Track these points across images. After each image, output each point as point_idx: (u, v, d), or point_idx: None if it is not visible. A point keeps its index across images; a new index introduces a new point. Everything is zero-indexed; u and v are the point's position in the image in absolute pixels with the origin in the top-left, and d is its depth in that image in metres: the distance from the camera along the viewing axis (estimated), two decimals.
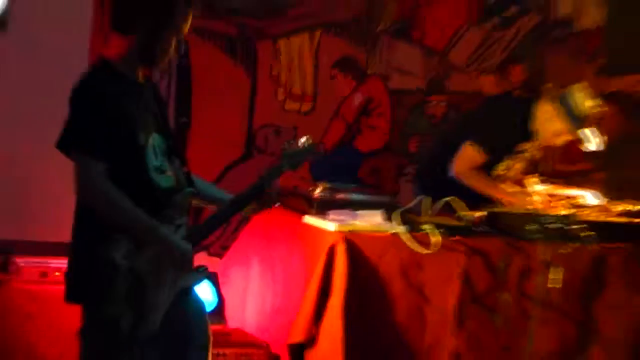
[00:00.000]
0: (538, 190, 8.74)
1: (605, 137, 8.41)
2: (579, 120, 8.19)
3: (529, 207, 8.23)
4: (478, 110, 9.50)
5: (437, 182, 8.45)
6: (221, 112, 9.83)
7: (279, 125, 9.99)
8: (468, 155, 8.39)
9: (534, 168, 8.80)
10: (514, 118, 8.56)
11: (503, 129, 8.55)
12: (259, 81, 9.98)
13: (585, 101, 8.22)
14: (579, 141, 8.41)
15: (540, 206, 8.33)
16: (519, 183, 8.83)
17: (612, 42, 11.23)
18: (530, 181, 8.89)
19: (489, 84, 10.76)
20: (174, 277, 5.60)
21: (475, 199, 8.04)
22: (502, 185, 8.48)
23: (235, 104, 9.94)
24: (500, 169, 8.52)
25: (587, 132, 8.24)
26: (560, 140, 8.51)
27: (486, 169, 8.48)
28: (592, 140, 8.28)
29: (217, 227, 5.92)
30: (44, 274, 7.97)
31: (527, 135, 8.48)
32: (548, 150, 8.85)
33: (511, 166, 8.57)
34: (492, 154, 8.41)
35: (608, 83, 11.20)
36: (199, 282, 5.85)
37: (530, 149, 8.57)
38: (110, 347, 5.46)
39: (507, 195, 8.34)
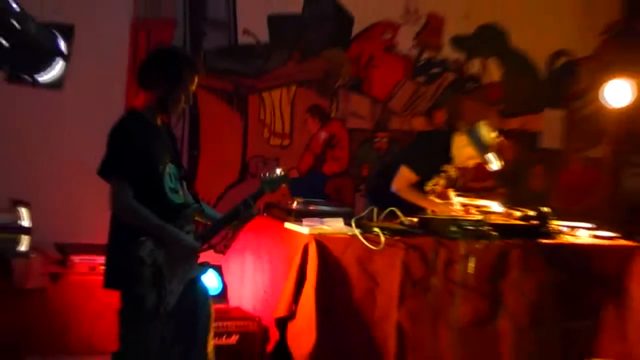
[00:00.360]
0: (457, 201, 8.97)
1: (503, 161, 8.63)
2: (484, 148, 8.40)
3: (451, 213, 8.45)
4: (411, 143, 9.66)
5: (382, 197, 8.55)
6: (222, 147, 9.97)
7: (265, 156, 10.09)
8: (404, 176, 8.55)
9: (453, 184, 8.99)
10: (437, 147, 8.73)
11: (429, 155, 8.74)
12: (250, 123, 10.09)
13: (488, 134, 8.43)
14: (485, 163, 8.60)
15: (459, 213, 8.58)
16: (444, 195, 8.98)
17: (508, 92, 11.42)
18: (451, 194, 9.07)
19: (419, 124, 10.88)
20: (184, 269, 5.91)
21: (411, 209, 8.22)
22: (430, 198, 8.63)
23: (233, 141, 10.05)
24: (430, 185, 8.70)
25: (490, 156, 8.45)
26: (472, 163, 8.71)
27: (419, 185, 8.63)
28: (495, 162, 8.49)
29: (213, 235, 6.25)
30: (92, 268, 8.27)
31: (447, 159, 8.66)
32: (463, 170, 9.03)
33: (437, 183, 8.74)
34: (421, 175, 8.58)
35: (506, 122, 11.40)
36: (203, 273, 6.15)
37: (450, 170, 8.75)
38: (138, 321, 5.76)
39: (433, 206, 8.50)
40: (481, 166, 8.83)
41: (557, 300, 8.43)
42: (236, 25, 9.88)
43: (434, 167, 8.76)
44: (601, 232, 9.11)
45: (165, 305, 5.73)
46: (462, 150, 8.64)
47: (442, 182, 8.86)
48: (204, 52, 9.66)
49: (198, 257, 6.13)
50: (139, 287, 5.68)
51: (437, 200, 8.71)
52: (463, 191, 9.55)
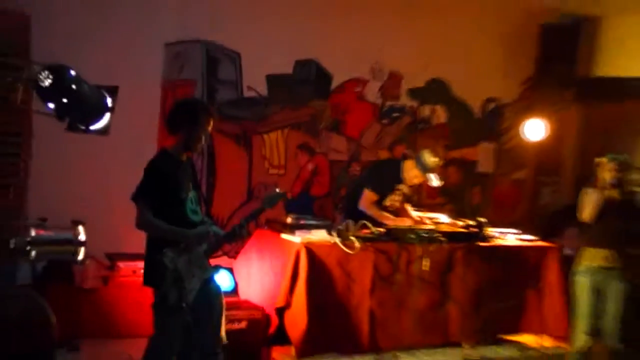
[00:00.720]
0: (413, 215, 8.98)
1: (443, 181, 8.75)
2: (426, 169, 8.47)
3: (409, 224, 8.46)
4: (370, 169, 9.64)
5: (354, 212, 8.55)
6: (232, 176, 9.97)
7: (266, 182, 10.07)
8: (367, 196, 8.57)
9: (408, 199, 8.97)
10: (390, 171, 8.77)
11: (385, 178, 8.75)
12: (254, 157, 10.08)
13: (429, 158, 8.49)
14: (428, 181, 8.67)
15: (416, 223, 8.59)
16: (403, 210, 8.98)
17: (452, 131, 11.43)
18: (408, 208, 9.05)
19: (384, 156, 10.86)
20: (200, 272, 6.03)
21: (376, 222, 8.23)
22: (386, 214, 8.60)
23: (240, 171, 10.03)
24: (388, 201, 8.70)
25: (431, 175, 8.52)
26: (417, 181, 8.75)
27: (380, 201, 8.65)
28: (435, 180, 8.59)
29: (216, 249, 6.34)
30: (134, 271, 8.34)
31: (399, 180, 8.69)
32: (413, 188, 8.98)
33: (394, 199, 8.74)
34: (380, 193, 8.60)
35: (450, 153, 11.40)
36: (215, 274, 6.24)
37: (403, 188, 8.75)
38: (165, 312, 5.91)
39: (390, 220, 8.46)
40: (425, 183, 8.95)
41: (491, 287, 8.49)
42: (242, 83, 9.89)
43: (389, 187, 8.75)
44: (524, 236, 9.21)
45: (185, 300, 5.86)
46: (410, 172, 8.69)
47: (397, 198, 8.83)
48: (218, 104, 9.64)
49: (209, 262, 6.21)
50: (163, 287, 5.86)
51: (392, 217, 8.62)
52: (418, 206, 9.58)
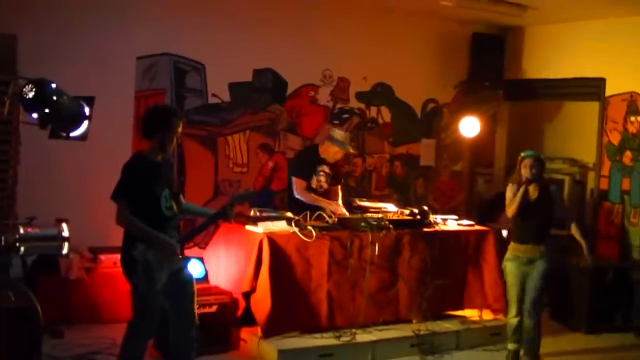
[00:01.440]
0: (363, 205, 8.90)
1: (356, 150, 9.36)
2: (341, 143, 8.58)
3: (339, 210, 8.55)
4: (293, 158, 9.75)
5: (293, 202, 8.65)
6: (200, 174, 9.88)
7: (230, 179, 10.04)
8: (295, 183, 8.59)
9: (333, 179, 8.90)
10: (309, 156, 8.83)
11: (306, 163, 8.79)
12: (219, 158, 10.01)
13: (341, 134, 8.71)
14: (346, 152, 8.89)
15: (341, 210, 8.61)
16: (334, 192, 8.99)
17: (396, 129, 11.42)
18: (338, 190, 9.05)
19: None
20: (168, 263, 6.05)
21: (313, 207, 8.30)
22: (322, 199, 8.62)
23: (207, 170, 9.96)
24: (313, 183, 8.67)
25: (347, 147, 8.73)
26: (339, 156, 8.79)
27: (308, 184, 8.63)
28: (351, 149, 8.94)
29: (193, 237, 6.38)
30: (115, 263, 8.14)
31: (319, 162, 8.69)
32: (334, 167, 8.92)
33: (319, 181, 8.72)
34: (305, 178, 8.61)
35: (394, 149, 11.40)
36: (185, 265, 6.26)
37: (324, 169, 8.72)
38: (140, 299, 6.01)
39: (326, 204, 8.50)
40: (345, 157, 9.20)
41: (436, 268, 8.52)
42: (207, 91, 9.82)
43: (310, 170, 8.70)
44: (463, 221, 9.23)
45: (154, 288, 5.94)
46: (329, 151, 8.69)
47: (322, 179, 8.75)
48: (186, 110, 9.57)
49: (183, 253, 6.25)
50: (134, 277, 5.97)
51: (326, 200, 8.64)
52: (368, 198, 9.59)
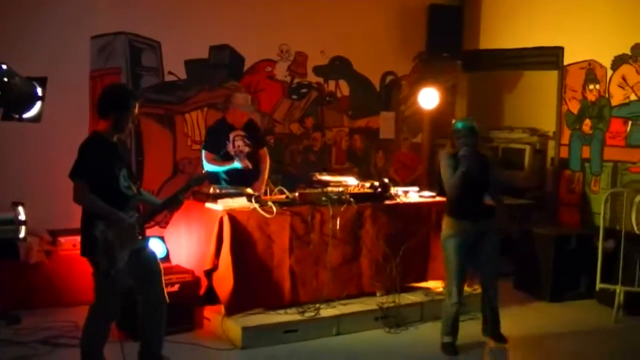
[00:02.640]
0: (323, 179, 8.88)
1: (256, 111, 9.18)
2: (242, 105, 8.75)
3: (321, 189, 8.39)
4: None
5: (211, 175, 8.68)
6: (159, 153, 9.85)
7: (189, 157, 10.00)
8: (205, 156, 8.81)
9: (253, 143, 8.84)
10: (219, 127, 8.86)
11: (216, 133, 8.84)
12: (177, 136, 9.98)
13: (240, 96, 8.95)
14: (250, 113, 8.96)
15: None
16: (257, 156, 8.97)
17: (355, 102, 11.43)
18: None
19: (294, 128, 10.92)
20: (129, 242, 6.03)
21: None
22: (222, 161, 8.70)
23: (166, 148, 9.92)
24: (232, 150, 8.73)
25: (249, 108, 8.92)
26: (245, 118, 8.82)
27: (225, 153, 8.72)
28: (253, 109, 9.14)
29: (153, 216, 6.40)
30: (74, 245, 8.09)
31: (229, 128, 8.80)
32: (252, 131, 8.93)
33: (238, 145, 8.76)
34: (217, 148, 8.71)
35: (354, 123, 11.43)
36: (146, 244, 6.34)
37: (238, 133, 8.78)
38: (101, 279, 5.98)
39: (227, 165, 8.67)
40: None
41: (398, 241, 8.53)
42: (163, 69, 9.78)
43: (221, 139, 8.69)
44: (424, 192, 9.23)
45: (114, 267, 5.87)
46: (235, 116, 8.72)
47: (240, 142, 8.73)
48: (142, 89, 9.52)
49: (144, 232, 6.24)
50: (94, 256, 5.91)
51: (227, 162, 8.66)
52: (330, 171, 9.60)
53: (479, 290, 8.01)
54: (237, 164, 8.53)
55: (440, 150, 7.80)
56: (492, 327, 7.80)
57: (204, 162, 8.73)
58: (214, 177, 8.53)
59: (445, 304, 7.62)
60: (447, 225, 7.57)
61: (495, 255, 7.62)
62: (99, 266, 5.92)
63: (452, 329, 7.61)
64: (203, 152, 8.78)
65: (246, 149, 8.73)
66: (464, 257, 7.45)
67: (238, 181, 8.45)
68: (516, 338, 8.03)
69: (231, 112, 8.78)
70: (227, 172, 8.66)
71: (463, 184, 7.31)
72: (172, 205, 6.51)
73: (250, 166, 8.65)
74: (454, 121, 7.69)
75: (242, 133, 8.75)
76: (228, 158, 8.65)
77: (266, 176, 8.93)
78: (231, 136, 8.71)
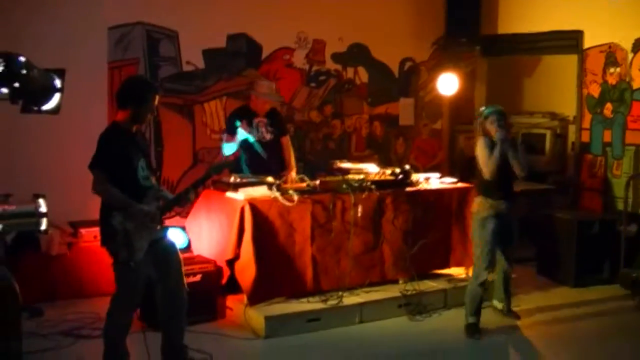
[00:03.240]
0: (344, 166, 8.88)
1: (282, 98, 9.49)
2: (266, 93, 8.73)
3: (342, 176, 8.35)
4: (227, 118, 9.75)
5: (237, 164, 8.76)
6: (178, 142, 9.84)
7: (209, 147, 9.99)
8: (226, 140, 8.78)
9: (276, 130, 8.78)
10: (242, 113, 8.75)
11: (240, 118, 8.67)
12: (196, 125, 9.97)
13: (263, 83, 8.97)
14: (275, 102, 8.98)
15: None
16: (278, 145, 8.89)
17: (374, 89, 11.39)
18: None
19: (314, 116, 10.87)
20: (148, 232, 6.04)
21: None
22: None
23: (185, 138, 9.91)
24: (256, 137, 8.56)
25: (273, 96, 8.91)
26: (268, 105, 8.78)
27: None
28: (277, 97, 9.16)
29: (165, 211, 6.35)
30: (95, 236, 8.03)
31: (252, 115, 8.74)
32: (274, 118, 8.89)
33: (262, 133, 8.70)
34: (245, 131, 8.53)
35: (373, 109, 11.41)
36: (164, 234, 6.30)
37: (261, 120, 8.74)
38: (119, 268, 6.03)
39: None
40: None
41: (420, 228, 8.55)
42: (181, 58, 9.78)
43: (249, 123, 8.59)
44: (446, 179, 9.20)
45: (133, 258, 5.91)
46: (258, 103, 8.69)
47: (263, 129, 8.68)
48: (160, 79, 9.53)
49: (162, 222, 6.22)
50: (113, 246, 5.96)
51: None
52: (349, 159, 9.58)
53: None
54: (246, 136, 8.45)
55: (478, 136, 7.70)
56: (507, 300, 8.20)
57: (223, 144, 8.69)
58: (235, 166, 8.52)
59: (472, 284, 7.72)
60: (483, 206, 7.66)
61: (517, 231, 7.95)
62: (118, 257, 5.96)
63: (477, 309, 7.69)
64: (224, 135, 8.74)
65: (268, 136, 8.68)
66: (498, 238, 7.63)
67: (262, 170, 8.37)
68: (539, 323, 8.05)
69: (254, 100, 8.76)
70: (249, 161, 8.62)
71: (500, 165, 7.46)
72: (182, 201, 6.56)
73: (266, 137, 8.66)
74: (481, 109, 7.72)
75: (264, 120, 8.71)
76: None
77: (294, 164, 8.87)
78: (254, 122, 8.67)
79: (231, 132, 8.56)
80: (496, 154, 7.43)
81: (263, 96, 8.68)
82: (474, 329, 7.63)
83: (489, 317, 7.99)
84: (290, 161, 8.87)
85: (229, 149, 8.61)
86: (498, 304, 8.24)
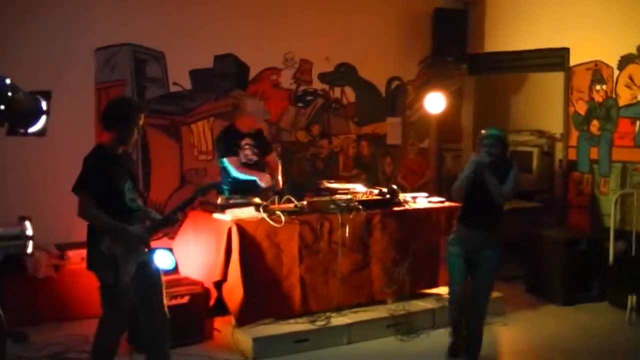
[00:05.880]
0: (331, 186, 8.90)
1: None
2: (253, 111, 8.84)
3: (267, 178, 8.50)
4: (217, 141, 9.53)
5: (232, 183, 8.69)
6: (165, 164, 9.82)
7: (196, 168, 9.99)
8: (231, 162, 8.64)
9: (260, 150, 8.77)
10: (229, 135, 8.75)
11: (226, 139, 8.76)
12: (184, 146, 9.95)
13: (251, 102, 9.07)
14: (262, 120, 9.31)
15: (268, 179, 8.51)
16: (271, 163, 8.99)
17: (361, 109, 11.40)
18: (274, 158, 9.05)
19: (301, 136, 10.85)
20: (134, 256, 6.01)
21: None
22: (252, 171, 8.64)
23: (172, 159, 9.89)
24: (242, 157, 8.68)
25: (261, 113, 9.17)
26: (256, 124, 8.92)
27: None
28: (266, 114, 9.48)
29: (152, 232, 6.30)
30: (82, 258, 7.88)
31: (239, 136, 8.75)
32: (252, 139, 8.80)
33: (246, 154, 8.69)
34: (232, 154, 8.62)
35: (360, 129, 11.40)
36: (151, 257, 6.19)
37: (246, 141, 8.74)
38: (106, 291, 6.02)
39: (257, 174, 8.61)
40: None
41: (407, 247, 8.55)
42: (168, 79, 9.77)
43: (234, 145, 8.61)
44: (433, 198, 9.18)
45: (120, 281, 5.91)
46: (245, 122, 8.71)
47: (248, 151, 8.65)
48: (147, 101, 9.52)
49: (149, 245, 6.17)
50: (101, 271, 5.96)
51: (257, 172, 8.59)
52: (336, 179, 9.59)
53: None
54: (259, 182, 8.48)
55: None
56: (474, 349, 7.27)
57: (231, 169, 8.57)
58: (219, 187, 8.50)
59: (449, 304, 7.50)
60: (454, 229, 7.42)
61: (492, 273, 7.18)
62: (105, 281, 5.95)
63: (454, 329, 7.40)
64: (225, 160, 8.62)
65: (254, 158, 8.68)
66: (463, 262, 7.12)
67: (243, 190, 8.36)
68: (529, 343, 8.04)
69: (243, 119, 8.77)
70: (231, 182, 8.61)
71: (469, 189, 7.01)
72: (169, 222, 6.54)
73: (271, 182, 8.56)
74: (482, 131, 7.31)
75: (250, 142, 8.70)
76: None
77: (280, 177, 8.79)
78: (242, 143, 8.66)
79: (230, 154, 8.58)
80: (467, 173, 6.95)
81: (251, 115, 8.71)
82: (451, 349, 7.40)
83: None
84: (276, 176, 8.77)
85: (241, 176, 8.56)
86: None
